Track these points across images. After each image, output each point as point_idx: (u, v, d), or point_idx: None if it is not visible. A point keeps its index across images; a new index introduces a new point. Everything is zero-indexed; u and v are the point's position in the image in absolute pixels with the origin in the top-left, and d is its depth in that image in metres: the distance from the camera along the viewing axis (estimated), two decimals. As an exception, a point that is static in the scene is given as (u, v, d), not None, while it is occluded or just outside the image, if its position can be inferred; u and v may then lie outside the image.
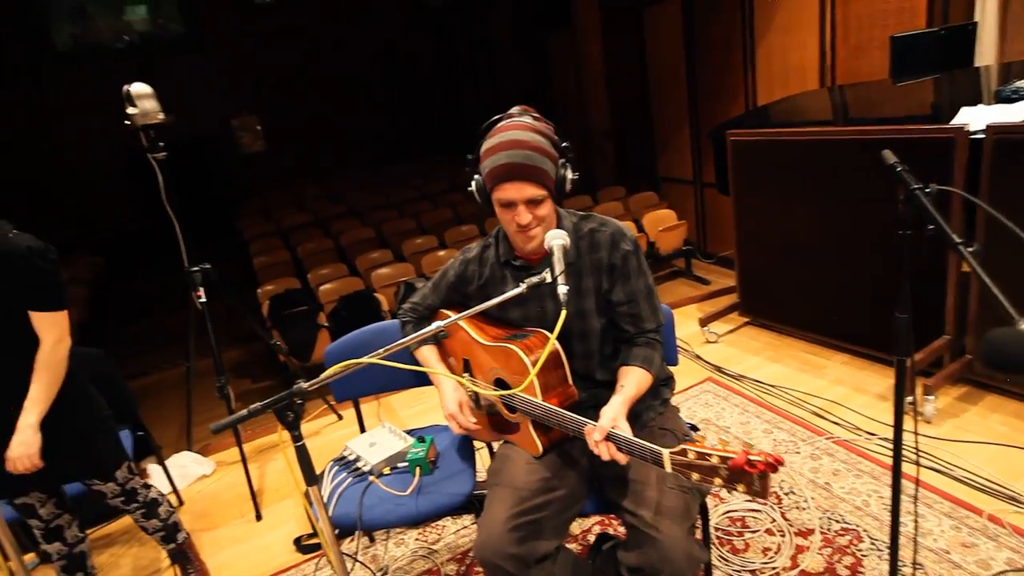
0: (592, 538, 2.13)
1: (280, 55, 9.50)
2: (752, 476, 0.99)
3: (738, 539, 2.03)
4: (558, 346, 1.40)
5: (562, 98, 7.65)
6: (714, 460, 1.04)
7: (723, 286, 4.22)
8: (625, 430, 1.23)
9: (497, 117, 1.41)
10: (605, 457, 1.23)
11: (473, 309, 1.29)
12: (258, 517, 2.57)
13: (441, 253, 5.05)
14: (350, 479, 1.76)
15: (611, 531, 2.13)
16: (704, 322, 3.54)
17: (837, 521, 2.04)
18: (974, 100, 2.57)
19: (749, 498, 2.11)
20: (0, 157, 8.15)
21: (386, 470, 1.78)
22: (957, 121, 2.44)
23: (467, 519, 2.31)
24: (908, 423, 2.35)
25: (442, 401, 1.60)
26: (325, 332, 4.44)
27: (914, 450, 1.84)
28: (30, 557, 2.33)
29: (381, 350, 1.13)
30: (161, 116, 2.37)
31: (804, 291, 3.17)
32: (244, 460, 2.61)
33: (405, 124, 10.50)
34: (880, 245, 2.70)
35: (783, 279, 3.27)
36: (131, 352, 5.28)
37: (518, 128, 1.36)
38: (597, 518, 2.20)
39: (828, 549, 1.93)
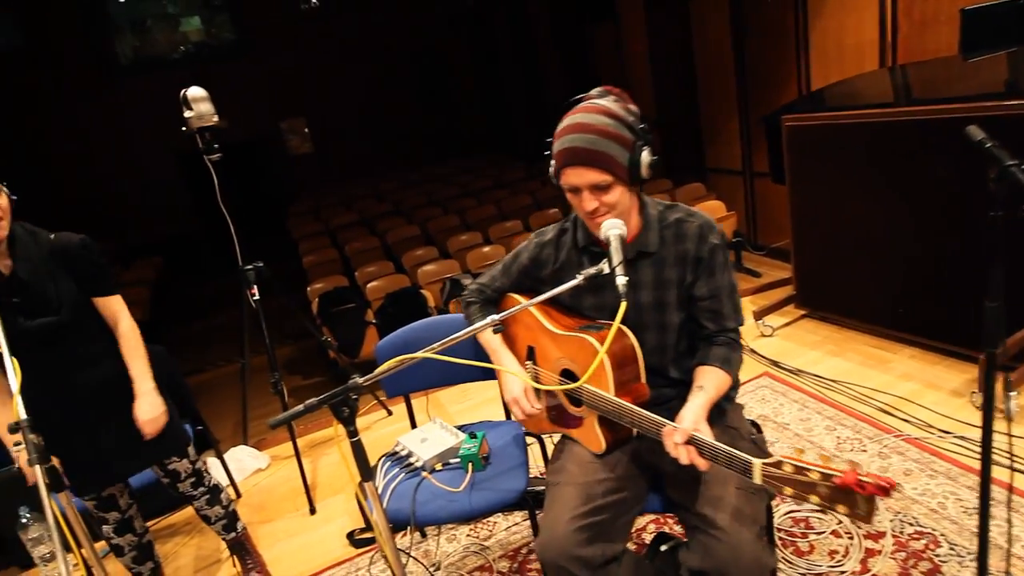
0: (648, 537, 2.08)
1: (324, 58, 9.69)
2: (858, 498, 0.92)
3: (802, 541, 1.94)
4: (634, 341, 1.35)
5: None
6: (814, 476, 0.97)
7: (776, 278, 4.07)
8: (707, 433, 1.17)
9: (575, 98, 1.35)
10: (684, 461, 1.16)
11: (543, 295, 1.24)
12: (312, 511, 2.61)
13: (486, 249, 5.05)
14: (403, 475, 1.76)
15: (667, 530, 2.07)
16: (759, 315, 3.41)
17: (911, 524, 1.92)
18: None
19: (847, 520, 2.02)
20: (69, 168, 8.61)
21: (438, 466, 1.77)
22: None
23: (518, 516, 2.29)
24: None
25: (504, 385, 1.57)
26: (373, 329, 4.50)
27: (1004, 451, 1.71)
28: (100, 545, 2.43)
29: (436, 344, 1.11)
30: (216, 119, 2.43)
31: (867, 282, 3.01)
32: (298, 454, 2.65)
33: (447, 122, 10.56)
34: (956, 230, 2.54)
35: (844, 269, 3.11)
36: (188, 349, 5.49)
37: (586, 111, 1.30)
38: (651, 516, 2.14)
39: (902, 553, 1.82)
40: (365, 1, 9.70)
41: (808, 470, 0.98)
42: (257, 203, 8.66)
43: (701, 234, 1.37)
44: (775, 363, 3.02)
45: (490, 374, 1.87)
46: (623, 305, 1.13)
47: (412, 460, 1.79)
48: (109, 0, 8.91)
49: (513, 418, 1.54)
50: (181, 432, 1.98)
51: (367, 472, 1.15)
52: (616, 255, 1.19)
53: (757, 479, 1.06)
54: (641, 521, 2.14)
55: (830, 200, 3.07)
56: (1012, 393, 2.29)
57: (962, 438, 2.23)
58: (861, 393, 2.64)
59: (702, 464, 1.15)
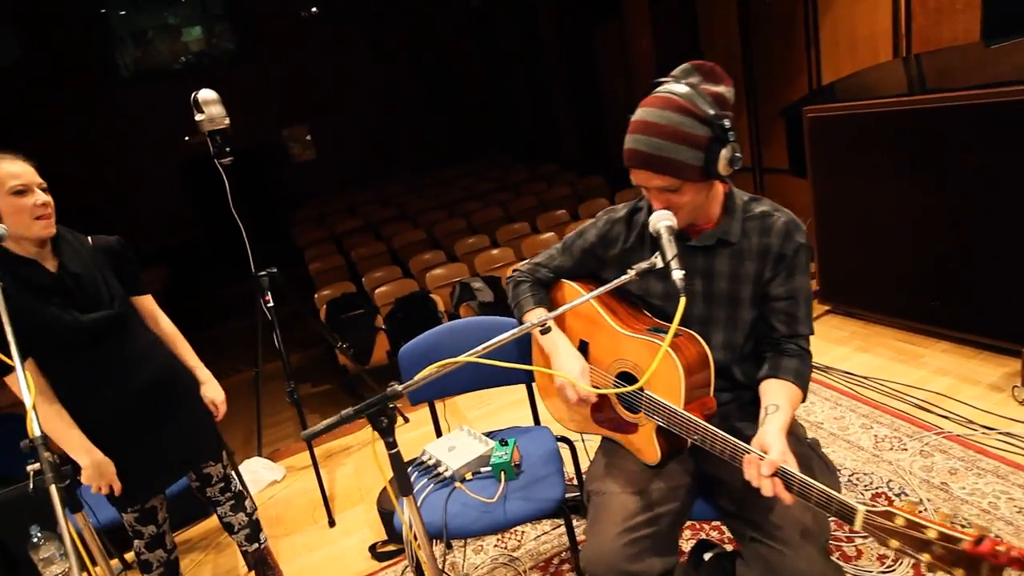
0: (684, 544, 1.99)
1: (327, 64, 9.66)
2: (985, 565, 0.83)
3: (848, 545, 1.86)
4: (707, 348, 1.25)
5: (611, 90, 7.48)
6: (930, 534, 0.87)
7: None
8: (793, 465, 1.05)
9: (657, 80, 1.22)
10: (768, 493, 1.05)
11: (603, 288, 1.15)
12: (331, 523, 2.53)
13: (494, 252, 4.98)
14: (431, 485, 1.68)
15: (703, 535, 1.99)
16: None
17: (963, 526, 1.83)
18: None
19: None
20: (71, 179, 8.56)
21: (468, 475, 1.69)
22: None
23: (547, 524, 2.21)
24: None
25: (556, 363, 1.43)
26: (382, 335, 4.44)
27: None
28: (115, 563, 2.35)
29: (480, 347, 1.03)
30: (227, 121, 2.37)
31: (896, 275, 2.92)
32: (316, 465, 2.58)
33: (451, 125, 10.52)
34: (990, 219, 2.46)
35: (870, 263, 3.03)
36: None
37: (657, 104, 1.17)
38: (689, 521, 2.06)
39: (956, 557, 1.73)
40: (366, 7, 9.67)
41: (924, 527, 0.87)
42: (261, 211, 8.61)
43: (787, 230, 1.28)
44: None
45: (530, 376, 1.80)
46: (682, 302, 1.04)
47: (441, 470, 1.71)
48: (110, 12, 8.89)
49: (571, 400, 1.36)
50: (218, 434, 1.97)
51: (406, 486, 1.08)
52: (669, 248, 1.10)
53: (857, 527, 0.95)
54: (676, 528, 2.06)
55: (855, 192, 2.99)
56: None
57: (1008, 434, 2.14)
58: (895, 389, 2.56)
59: (788, 499, 1.04)
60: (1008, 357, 2.53)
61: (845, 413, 2.49)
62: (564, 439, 1.82)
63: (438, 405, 2.02)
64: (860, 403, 2.53)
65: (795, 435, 1.33)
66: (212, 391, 1.89)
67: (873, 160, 2.86)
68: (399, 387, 1.02)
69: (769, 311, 1.31)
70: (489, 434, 1.88)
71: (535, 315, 1.51)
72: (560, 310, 1.16)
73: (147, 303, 1.83)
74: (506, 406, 3.07)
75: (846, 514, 0.96)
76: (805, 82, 4.99)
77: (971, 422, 2.26)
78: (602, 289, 1.15)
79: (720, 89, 1.18)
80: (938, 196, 2.65)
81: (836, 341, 3.06)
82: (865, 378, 2.68)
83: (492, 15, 9.48)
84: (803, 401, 1.30)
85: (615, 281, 1.15)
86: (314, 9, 9.65)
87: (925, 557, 0.88)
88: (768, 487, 1.04)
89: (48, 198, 1.56)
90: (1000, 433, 2.16)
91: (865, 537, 1.86)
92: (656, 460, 1.30)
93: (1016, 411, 2.26)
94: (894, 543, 0.91)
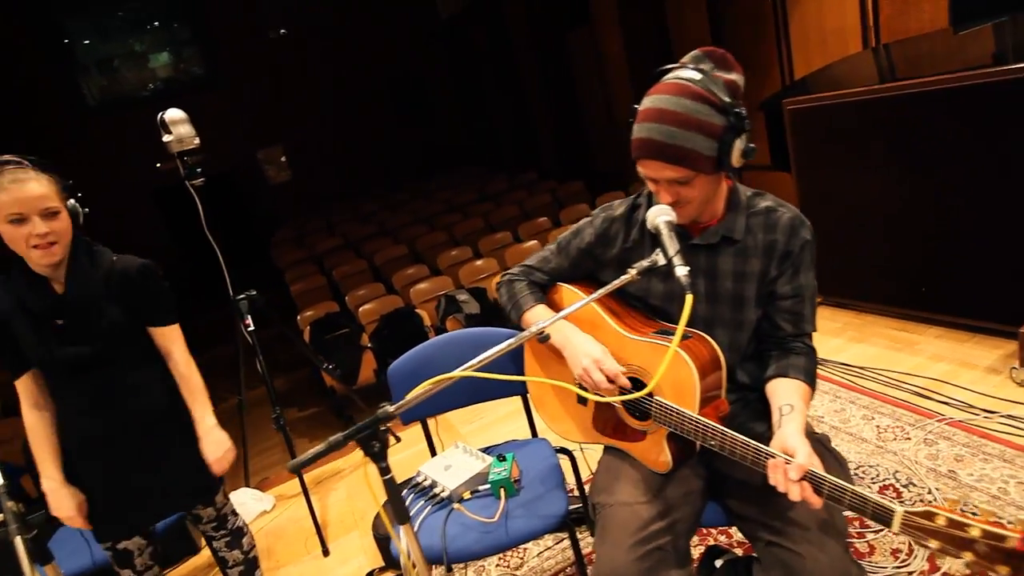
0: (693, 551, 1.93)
1: (298, 84, 9.58)
2: None
3: (859, 541, 1.81)
4: (718, 348, 1.19)
5: (586, 95, 7.49)
6: (973, 533, 0.83)
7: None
8: (819, 467, 0.99)
9: (663, 68, 1.16)
10: (795, 498, 0.99)
11: (605, 288, 1.08)
12: (325, 552, 2.43)
13: (478, 263, 4.92)
14: (428, 507, 1.60)
15: (712, 541, 1.93)
16: None
17: (974, 514, 1.79)
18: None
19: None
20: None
21: (467, 495, 1.61)
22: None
23: (549, 539, 2.13)
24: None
25: (575, 351, 1.28)
26: (369, 353, 4.34)
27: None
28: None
29: (475, 360, 0.97)
30: (197, 141, 2.28)
31: (884, 263, 2.91)
32: (306, 494, 2.47)
33: (428, 138, 10.46)
34: (973, 201, 2.46)
35: (858, 252, 3.01)
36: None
37: (670, 91, 1.11)
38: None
39: (971, 547, 1.69)
40: (336, 26, 9.62)
41: (968, 526, 0.83)
42: (238, 234, 8.46)
43: (793, 226, 1.22)
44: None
45: (524, 386, 1.73)
46: (689, 299, 0.99)
47: (437, 490, 1.63)
48: (74, 42, 8.74)
49: (595, 384, 1.23)
50: (214, 476, 1.82)
51: (403, 514, 1.00)
52: (671, 244, 1.05)
53: (895, 528, 0.90)
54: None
55: (838, 183, 2.98)
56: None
57: (1010, 417, 2.12)
58: (892, 378, 2.53)
59: (817, 502, 0.98)
60: (1002, 339, 2.52)
61: (845, 405, 2.46)
62: (563, 450, 1.75)
63: (430, 422, 1.95)
64: (860, 394, 2.50)
65: (820, 442, 1.27)
66: (208, 450, 1.69)
67: (853, 149, 2.86)
68: (391, 408, 0.94)
69: (775, 310, 1.26)
70: (486, 449, 1.80)
71: (535, 313, 1.41)
72: (561, 314, 1.09)
73: (164, 335, 1.69)
74: (501, 419, 3.00)
75: (883, 516, 0.91)
76: (777, 77, 5.02)
77: (971, 407, 2.23)
78: (604, 290, 1.09)
79: (733, 76, 1.13)
80: (919, 181, 2.64)
81: (830, 333, 3.03)
82: (862, 369, 2.65)
83: (463, 27, 9.48)
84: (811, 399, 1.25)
85: (616, 282, 1.08)
86: (283, 31, 9.58)
87: (967, 556, 0.84)
88: (796, 492, 0.98)
89: (47, 228, 1.46)
90: (1002, 416, 2.14)
91: (878, 532, 1.81)
92: (668, 468, 1.23)
93: (1016, 393, 2.24)
94: (934, 543, 0.86)
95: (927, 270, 2.74)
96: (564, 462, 1.75)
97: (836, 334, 3.01)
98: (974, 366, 2.46)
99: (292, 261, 6.53)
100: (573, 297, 1.43)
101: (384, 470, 0.96)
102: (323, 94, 9.75)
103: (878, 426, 2.28)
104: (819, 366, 2.71)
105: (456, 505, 1.56)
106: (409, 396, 0.96)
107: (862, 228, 2.94)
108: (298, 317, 4.66)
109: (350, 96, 9.91)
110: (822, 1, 4.43)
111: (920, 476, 1.98)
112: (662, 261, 1.05)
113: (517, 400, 1.84)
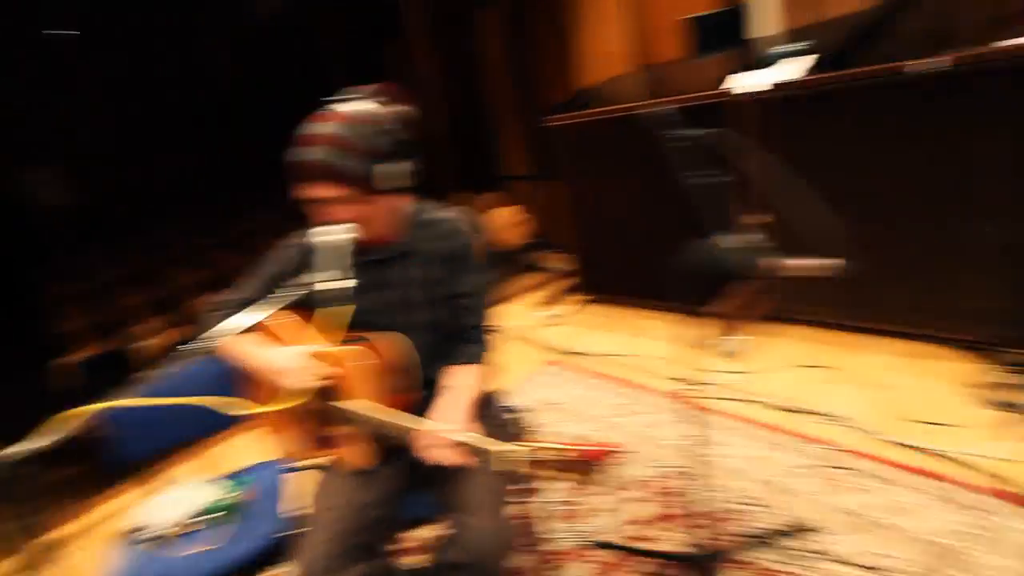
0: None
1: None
2: (589, 465, 1.04)
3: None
4: (401, 348, 1.33)
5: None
6: (573, 455, 1.05)
7: (568, 271, 4.32)
8: (460, 432, 1.19)
9: (336, 97, 1.26)
10: (433, 460, 1.19)
11: (280, 300, 1.21)
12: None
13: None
14: (142, 556, 1.50)
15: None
16: (544, 306, 3.69)
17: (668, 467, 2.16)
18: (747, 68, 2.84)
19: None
20: None
21: (186, 530, 1.54)
22: (725, 87, 2.72)
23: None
24: (721, 364, 2.58)
25: (278, 369, 1.30)
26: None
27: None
28: None
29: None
30: None
31: (632, 259, 3.32)
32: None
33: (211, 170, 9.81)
34: (671, 203, 2.88)
35: (618, 252, 3.39)
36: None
37: (326, 119, 1.22)
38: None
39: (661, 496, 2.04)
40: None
41: (545, 448, 1.07)
42: None
43: (453, 230, 1.38)
44: (562, 351, 3.20)
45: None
46: (349, 309, 1.15)
47: (150, 534, 1.53)
48: None
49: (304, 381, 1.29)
50: None
51: None
52: (335, 261, 1.17)
53: (495, 465, 1.11)
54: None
55: (598, 191, 3.38)
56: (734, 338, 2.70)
57: (728, 388, 2.52)
58: (628, 363, 2.91)
59: (456, 459, 1.17)
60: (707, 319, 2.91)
61: (590, 391, 2.78)
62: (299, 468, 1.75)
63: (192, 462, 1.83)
64: (605, 380, 2.82)
65: (493, 417, 1.46)
66: None
67: (604, 161, 3.25)
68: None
69: (455, 307, 1.41)
70: (235, 474, 1.75)
71: (240, 344, 1.39)
72: (250, 323, 1.18)
73: None
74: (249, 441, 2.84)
75: (481, 455, 1.13)
76: (562, 94, 5.48)
77: (689, 381, 2.58)
78: (277, 304, 1.20)
79: (398, 109, 1.26)
80: (647, 188, 3.07)
81: (593, 327, 3.37)
82: (606, 355, 3.00)
83: (272, 44, 9.04)
84: (492, 377, 1.45)
85: (287, 296, 1.19)
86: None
87: (551, 473, 1.08)
88: (436, 456, 1.17)
89: None
90: (717, 388, 2.52)
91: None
92: (374, 463, 1.34)
93: (724, 364, 2.67)
94: (549, 472, 1.08)
95: (655, 263, 3.14)
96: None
97: (597, 328, 3.36)
98: (687, 344, 2.81)
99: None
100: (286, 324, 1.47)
101: None
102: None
103: (613, 404, 2.63)
104: (581, 358, 2.99)
105: (169, 541, 1.51)
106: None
107: (619, 230, 3.36)
108: None
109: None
110: (596, 28, 4.92)
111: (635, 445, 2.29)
112: (328, 278, 1.16)
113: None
